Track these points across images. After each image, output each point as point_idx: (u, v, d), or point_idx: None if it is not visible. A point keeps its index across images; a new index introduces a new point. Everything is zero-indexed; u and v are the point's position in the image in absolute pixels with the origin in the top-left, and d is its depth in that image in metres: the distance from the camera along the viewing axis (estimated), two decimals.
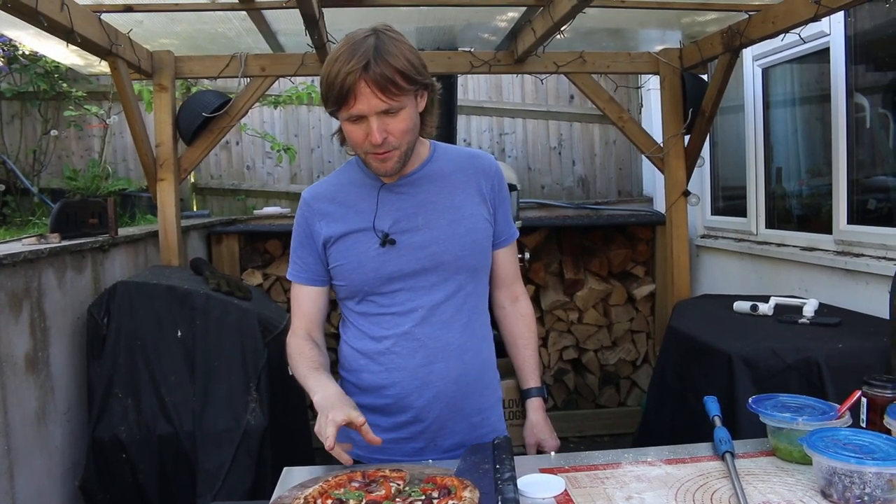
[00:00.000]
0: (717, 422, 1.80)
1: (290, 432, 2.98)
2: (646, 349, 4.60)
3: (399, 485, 1.48)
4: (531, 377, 1.93)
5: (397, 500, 1.41)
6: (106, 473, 2.59)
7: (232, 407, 2.71)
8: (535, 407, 1.93)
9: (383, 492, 1.43)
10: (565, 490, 1.51)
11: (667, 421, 3.03)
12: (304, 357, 1.74)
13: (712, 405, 1.88)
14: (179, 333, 2.79)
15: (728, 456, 1.61)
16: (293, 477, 1.63)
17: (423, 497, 1.41)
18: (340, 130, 1.67)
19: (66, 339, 2.71)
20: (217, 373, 2.75)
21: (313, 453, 3.13)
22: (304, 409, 3.29)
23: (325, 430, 1.48)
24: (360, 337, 1.80)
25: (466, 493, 1.36)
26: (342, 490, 1.45)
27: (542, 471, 1.62)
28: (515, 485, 1.42)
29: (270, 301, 3.54)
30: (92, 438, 2.60)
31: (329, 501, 1.39)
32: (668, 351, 3.17)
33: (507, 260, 1.90)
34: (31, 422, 2.42)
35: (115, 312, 2.77)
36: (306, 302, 1.82)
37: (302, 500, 1.36)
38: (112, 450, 2.60)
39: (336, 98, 1.55)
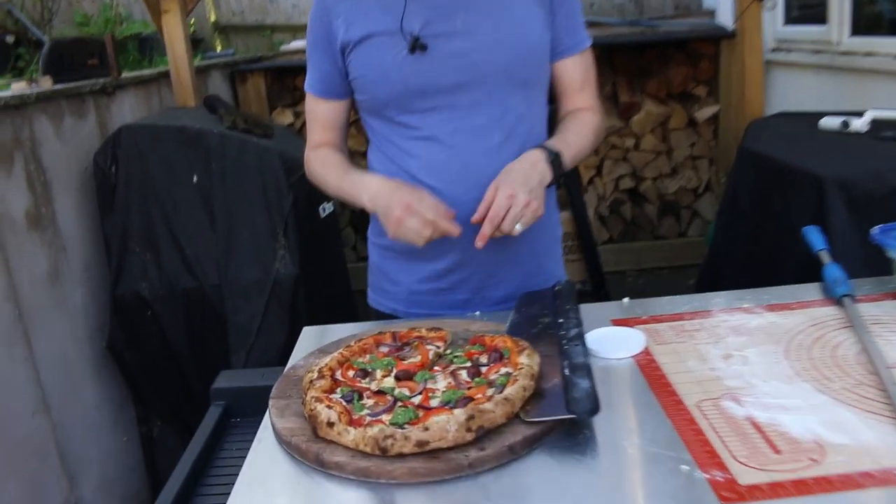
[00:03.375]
0: (826, 257, 1.42)
1: (326, 280, 2.72)
2: (708, 176, 4.17)
3: (438, 347, 1.17)
4: (552, 141, 1.41)
5: (436, 368, 1.10)
6: (131, 333, 2.39)
7: (258, 256, 2.44)
8: (526, 155, 1.35)
9: (419, 358, 1.13)
10: (646, 347, 1.19)
11: (740, 254, 2.66)
12: (330, 166, 1.48)
13: (816, 237, 1.50)
14: (195, 179, 2.48)
15: (846, 300, 1.25)
16: (313, 339, 1.34)
17: (469, 364, 1.10)
18: None
19: (72, 192, 2.42)
20: (239, 220, 2.46)
21: (354, 302, 2.89)
22: (340, 253, 3.02)
23: (416, 232, 1.27)
24: (388, 165, 1.45)
25: (523, 359, 1.04)
26: (367, 357, 1.14)
27: (615, 323, 1.29)
28: (584, 344, 1.09)
29: (296, 138, 3.18)
30: (112, 297, 2.38)
31: (351, 372, 1.10)
32: (741, 176, 2.74)
33: (575, 70, 1.46)
34: (44, 283, 2.19)
35: (123, 160, 2.46)
36: (323, 116, 1.48)
37: (316, 373, 1.06)
38: (135, 308, 2.38)
39: None
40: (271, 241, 2.47)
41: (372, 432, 0.90)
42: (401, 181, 1.36)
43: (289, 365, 1.19)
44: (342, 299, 2.88)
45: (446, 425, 0.90)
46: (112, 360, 2.39)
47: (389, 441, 0.89)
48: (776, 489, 0.83)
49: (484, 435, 0.92)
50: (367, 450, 0.90)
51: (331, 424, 0.94)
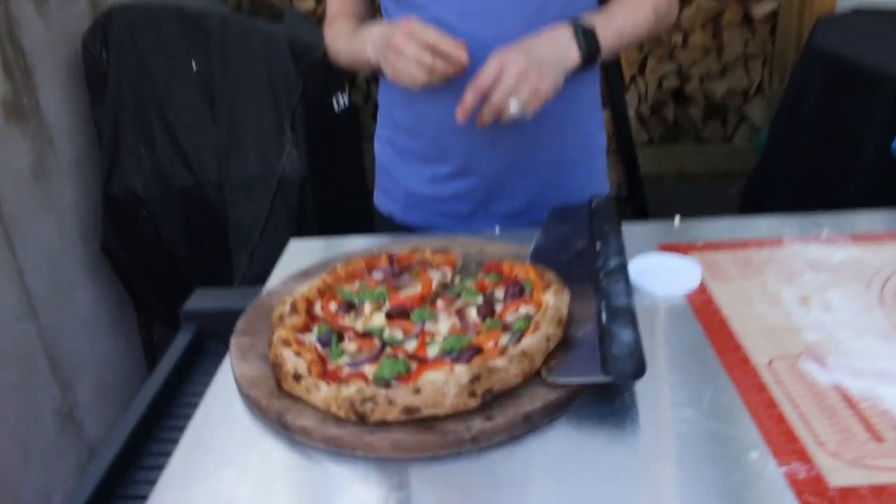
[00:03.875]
0: None
1: (338, 181, 2.49)
2: (760, 77, 3.78)
3: (445, 274, 0.95)
4: (589, 16, 1.12)
5: (438, 302, 0.88)
6: (126, 233, 2.20)
7: (263, 151, 2.21)
8: (546, 29, 1.08)
9: (419, 288, 0.91)
10: (702, 283, 0.95)
11: (797, 166, 2.37)
12: (342, 32, 1.27)
13: None
14: (194, 66, 2.22)
15: None
16: (300, 255, 1.12)
17: (481, 299, 0.87)
18: None
19: (59, 79, 2.18)
20: (242, 112, 2.21)
21: (370, 205, 2.66)
22: (356, 152, 2.77)
23: (415, 59, 1.01)
24: None
25: (548, 298, 0.82)
26: (356, 285, 0.92)
27: (663, 249, 1.05)
28: (627, 281, 0.86)
29: (309, 23, 2.88)
30: (105, 194, 2.18)
31: (333, 304, 0.88)
32: (805, 78, 2.40)
33: None
34: (27, 180, 1.98)
35: (115, 44, 2.19)
36: None
37: (288, 306, 0.84)
38: (130, 206, 2.18)
39: None
40: (277, 136, 2.23)
41: (348, 392, 0.69)
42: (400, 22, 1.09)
43: (264, 289, 0.98)
44: (357, 203, 2.64)
45: (444, 387, 0.69)
46: (107, 261, 2.22)
47: (369, 405, 0.68)
48: (881, 496, 0.61)
49: (493, 399, 0.71)
50: (342, 414, 0.69)
51: (297, 377, 0.73)
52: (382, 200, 1.37)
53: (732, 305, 0.90)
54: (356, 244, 1.15)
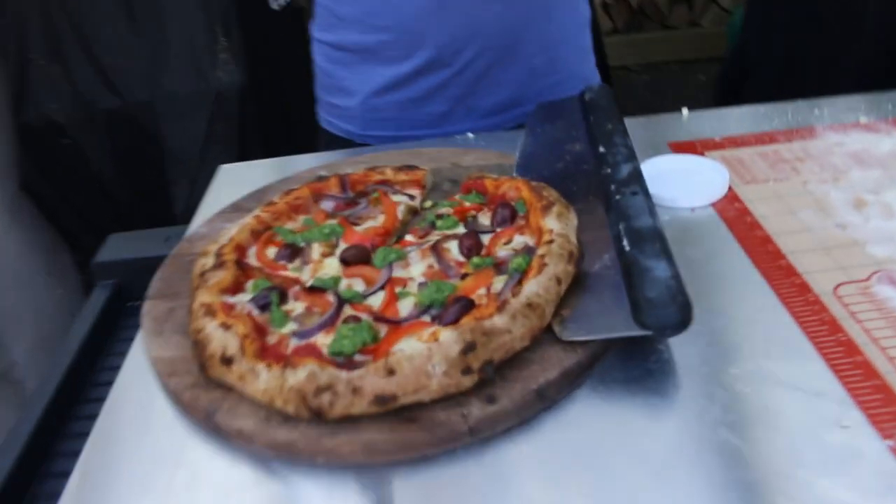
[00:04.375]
0: None
1: (284, 91, 2.21)
2: None
3: (412, 198, 0.74)
4: None
5: (408, 237, 0.67)
6: (48, 166, 1.92)
7: (194, 62, 1.92)
8: None
9: (380, 220, 0.70)
10: (729, 188, 0.76)
11: (779, 49, 2.15)
12: None
13: None
14: None
15: None
16: (233, 184, 0.90)
17: (463, 228, 0.67)
18: None
19: None
20: (167, 17, 1.91)
21: (314, 124, 2.39)
22: (302, 56, 2.47)
23: None
24: None
25: (551, 223, 0.62)
26: (299, 220, 0.71)
27: (675, 148, 0.85)
28: (647, 192, 0.66)
29: None
30: (17, 123, 1.88)
31: (271, 250, 0.67)
32: None
33: None
34: None
35: None
36: None
37: (212, 257, 0.63)
38: (47, 135, 1.89)
39: None
40: (209, 44, 1.94)
41: (296, 380, 0.50)
42: None
43: (186, 233, 0.76)
44: (307, 115, 2.38)
45: (427, 364, 0.49)
46: (30, 201, 1.95)
47: (326, 396, 0.49)
48: None
49: (494, 373, 0.52)
50: (290, 410, 0.50)
51: (227, 360, 0.53)
52: (332, 119, 1.14)
53: (773, 216, 0.71)
54: (302, 165, 0.92)
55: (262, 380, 0.51)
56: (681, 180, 0.77)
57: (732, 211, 0.73)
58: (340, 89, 1.09)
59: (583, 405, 0.53)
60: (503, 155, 0.83)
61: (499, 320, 0.51)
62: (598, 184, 0.71)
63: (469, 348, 0.50)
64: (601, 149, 0.75)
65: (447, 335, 0.50)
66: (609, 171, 0.71)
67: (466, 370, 0.49)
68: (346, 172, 0.77)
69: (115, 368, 0.70)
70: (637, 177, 0.69)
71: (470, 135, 0.96)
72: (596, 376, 0.55)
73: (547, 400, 0.52)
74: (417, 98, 1.03)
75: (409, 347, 0.51)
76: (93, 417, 0.60)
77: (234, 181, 0.91)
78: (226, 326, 0.54)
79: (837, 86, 1.88)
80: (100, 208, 1.99)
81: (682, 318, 0.52)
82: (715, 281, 0.64)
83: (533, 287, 0.54)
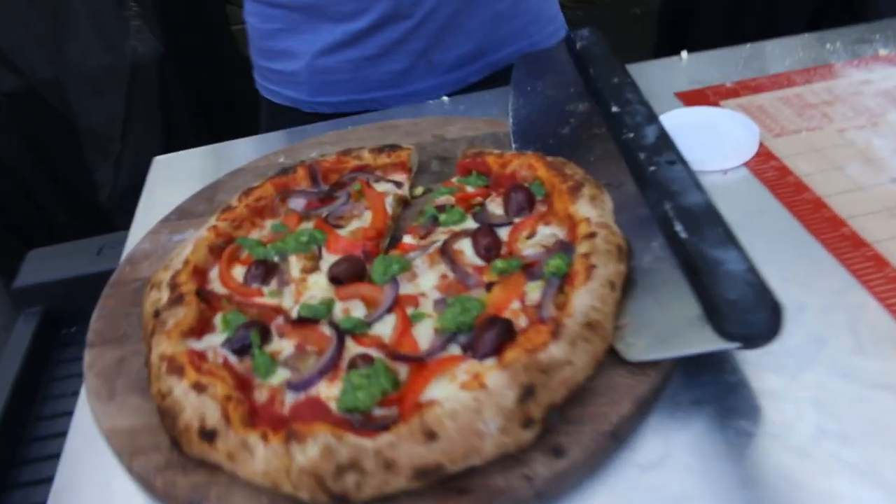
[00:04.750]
0: None
1: (208, 56, 2.00)
2: None
3: (398, 185, 0.61)
4: None
5: (406, 238, 0.55)
6: None
7: (103, 32, 1.70)
8: None
9: (367, 216, 0.57)
10: (761, 144, 0.66)
11: None
12: None
13: None
14: None
15: None
16: (172, 179, 0.75)
17: (471, 221, 0.55)
18: None
19: None
20: None
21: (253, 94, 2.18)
22: (221, 21, 2.25)
23: None
24: None
25: (584, 208, 0.50)
26: (265, 227, 0.57)
27: (685, 100, 0.74)
28: (683, 160, 0.55)
29: None
30: None
31: (237, 270, 0.53)
32: None
33: None
34: None
35: None
36: None
37: (166, 289, 0.49)
38: None
39: None
40: (117, 10, 1.72)
41: (307, 458, 0.37)
42: None
43: (126, 251, 0.62)
44: (242, 84, 2.17)
45: (476, 421, 0.37)
46: None
47: (352, 478, 0.37)
48: None
49: (559, 418, 0.40)
50: (304, 497, 0.38)
51: (209, 435, 0.40)
52: (272, 86, 0.98)
53: (817, 174, 0.61)
54: (250, 150, 0.78)
55: (260, 458, 0.38)
56: (704, 138, 0.66)
57: (770, 171, 0.62)
58: (281, 52, 0.93)
59: (655, 437, 0.43)
60: (493, 121, 0.71)
61: (556, 350, 0.40)
62: (620, 152, 0.60)
63: (527, 394, 0.38)
64: (614, 108, 0.63)
65: (496, 379, 0.39)
66: (631, 135, 0.60)
67: (527, 422, 0.38)
68: (314, 159, 0.64)
69: (53, 418, 0.56)
70: (668, 142, 0.58)
71: (445, 98, 0.83)
72: (664, 398, 0.45)
73: (620, 440, 0.41)
74: (373, 56, 0.88)
75: (447, 397, 0.39)
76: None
77: (172, 175, 0.76)
78: (199, 388, 0.41)
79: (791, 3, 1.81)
80: (15, 202, 1.77)
81: (774, 323, 0.42)
82: (770, 260, 0.54)
83: (585, 299, 0.43)
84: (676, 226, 0.49)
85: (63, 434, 0.48)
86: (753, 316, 0.42)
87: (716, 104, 0.72)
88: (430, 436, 0.37)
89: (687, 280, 0.46)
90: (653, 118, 0.61)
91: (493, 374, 0.39)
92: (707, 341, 0.42)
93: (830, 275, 0.52)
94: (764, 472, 0.41)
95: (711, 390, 0.45)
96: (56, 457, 0.46)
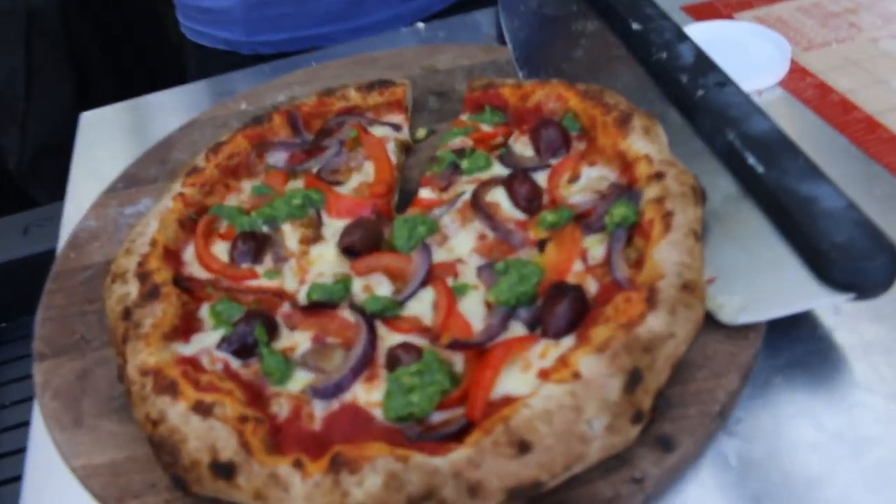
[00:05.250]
0: None
1: (114, 1, 1.79)
2: None
3: (398, 129, 0.51)
4: None
5: (422, 191, 0.45)
6: None
7: None
8: None
9: (371, 173, 0.47)
10: (792, 60, 0.59)
11: None
12: None
13: None
14: None
15: None
16: (104, 139, 0.62)
17: (499, 167, 0.46)
18: None
19: None
20: None
21: (168, 31, 1.96)
22: None
23: None
24: None
25: (638, 143, 0.42)
26: (243, 189, 0.46)
27: (694, 15, 0.66)
28: (732, 81, 0.47)
29: None
30: None
31: (217, 246, 0.43)
32: None
33: None
34: None
35: None
36: None
37: (131, 282, 0.38)
38: None
39: None
40: None
41: (366, 491, 0.28)
42: None
43: (63, 232, 0.50)
44: (163, 27, 1.96)
45: (577, 421, 0.29)
46: None
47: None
48: None
49: (663, 405, 0.33)
50: None
51: (226, 470, 0.30)
52: (202, 28, 0.84)
53: (861, 90, 0.55)
54: (198, 99, 0.66)
55: (300, 495, 0.29)
56: (730, 56, 0.58)
57: (809, 89, 0.55)
58: None
59: (757, 410, 0.36)
60: (489, 48, 0.61)
61: (655, 322, 0.32)
62: (651, 75, 0.52)
63: (634, 380, 0.30)
64: (634, 25, 0.55)
65: (592, 365, 0.31)
66: (664, 55, 0.51)
67: (637, 416, 0.30)
68: (289, 103, 0.53)
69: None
70: (709, 61, 0.50)
71: (420, 24, 0.72)
72: (762, 373, 0.38)
73: (725, 418, 0.34)
74: None
75: (532, 394, 0.31)
76: None
77: (105, 134, 0.63)
78: (202, 409, 0.32)
79: None
80: None
81: (893, 269, 0.35)
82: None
83: (672, 254, 0.35)
84: (749, 158, 0.41)
85: None
86: (869, 262, 0.35)
87: (729, 17, 0.64)
88: (522, 446, 0.29)
89: (774, 222, 0.39)
90: (683, 35, 0.53)
91: (588, 359, 0.31)
92: (814, 294, 0.36)
93: None
94: (866, 433, 0.34)
95: (807, 348, 0.39)
96: None
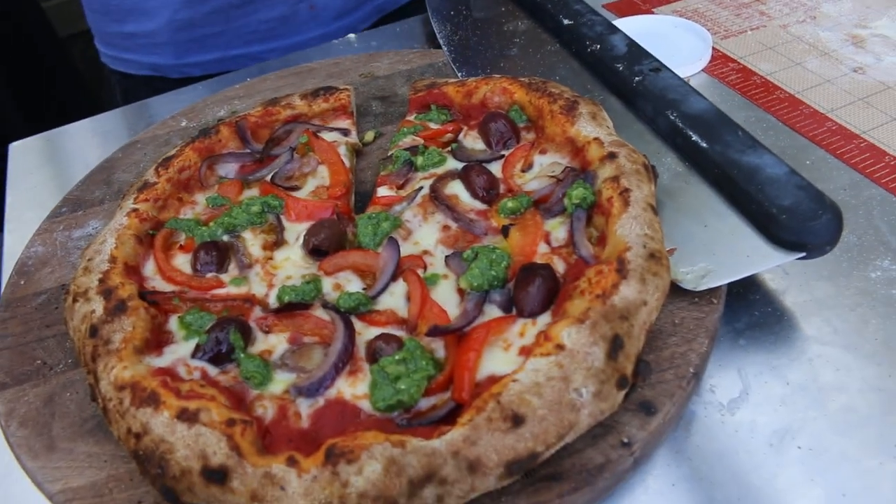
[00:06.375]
0: None
1: (19, 29, 1.71)
2: None
3: (346, 134, 0.51)
4: None
5: (380, 190, 0.45)
6: None
7: None
8: None
9: (326, 176, 0.47)
10: (713, 48, 0.62)
11: None
12: None
13: None
14: None
15: None
16: (34, 166, 0.60)
17: (453, 161, 0.46)
18: None
19: None
20: None
21: (72, 58, 1.89)
22: None
23: None
24: None
25: (587, 128, 0.43)
26: (199, 201, 0.46)
27: (616, 11, 0.69)
28: (665, 66, 0.50)
29: None
30: None
31: (177, 259, 0.42)
32: None
33: None
34: None
35: None
36: None
37: (96, 299, 0.37)
38: None
39: None
40: None
41: (366, 479, 0.28)
42: None
43: (6, 261, 0.48)
44: (51, 54, 1.88)
45: (566, 390, 0.30)
46: None
47: (431, 491, 0.28)
48: None
49: (648, 369, 0.34)
50: None
51: (218, 475, 0.30)
52: (125, 55, 0.82)
53: (781, 72, 0.58)
54: (135, 122, 0.64)
55: (298, 491, 0.29)
56: (656, 48, 0.61)
57: (732, 73, 0.59)
58: (132, 10, 0.78)
59: (726, 371, 0.37)
60: (424, 53, 0.62)
61: (628, 290, 0.33)
62: (587, 67, 0.54)
63: (616, 346, 0.31)
64: (565, 21, 0.57)
65: (574, 336, 0.31)
66: (597, 47, 0.53)
67: (621, 381, 0.31)
68: (234, 115, 0.52)
69: None
70: (641, 49, 0.53)
71: (351, 36, 0.72)
72: (726, 340, 0.39)
73: (700, 380, 0.36)
74: (243, 2, 0.76)
75: (518, 370, 0.31)
76: None
77: (36, 163, 0.61)
78: (187, 417, 0.31)
79: None
80: None
81: (837, 227, 0.38)
82: None
83: (634, 227, 0.37)
84: (692, 135, 0.44)
85: None
86: (815, 222, 0.37)
87: (649, 12, 0.67)
88: (516, 420, 0.29)
89: (722, 193, 0.41)
90: (612, 27, 0.56)
91: (569, 330, 0.32)
92: (768, 256, 0.38)
93: (833, 171, 0.49)
94: (840, 381, 0.37)
95: (764, 311, 0.41)
96: None
